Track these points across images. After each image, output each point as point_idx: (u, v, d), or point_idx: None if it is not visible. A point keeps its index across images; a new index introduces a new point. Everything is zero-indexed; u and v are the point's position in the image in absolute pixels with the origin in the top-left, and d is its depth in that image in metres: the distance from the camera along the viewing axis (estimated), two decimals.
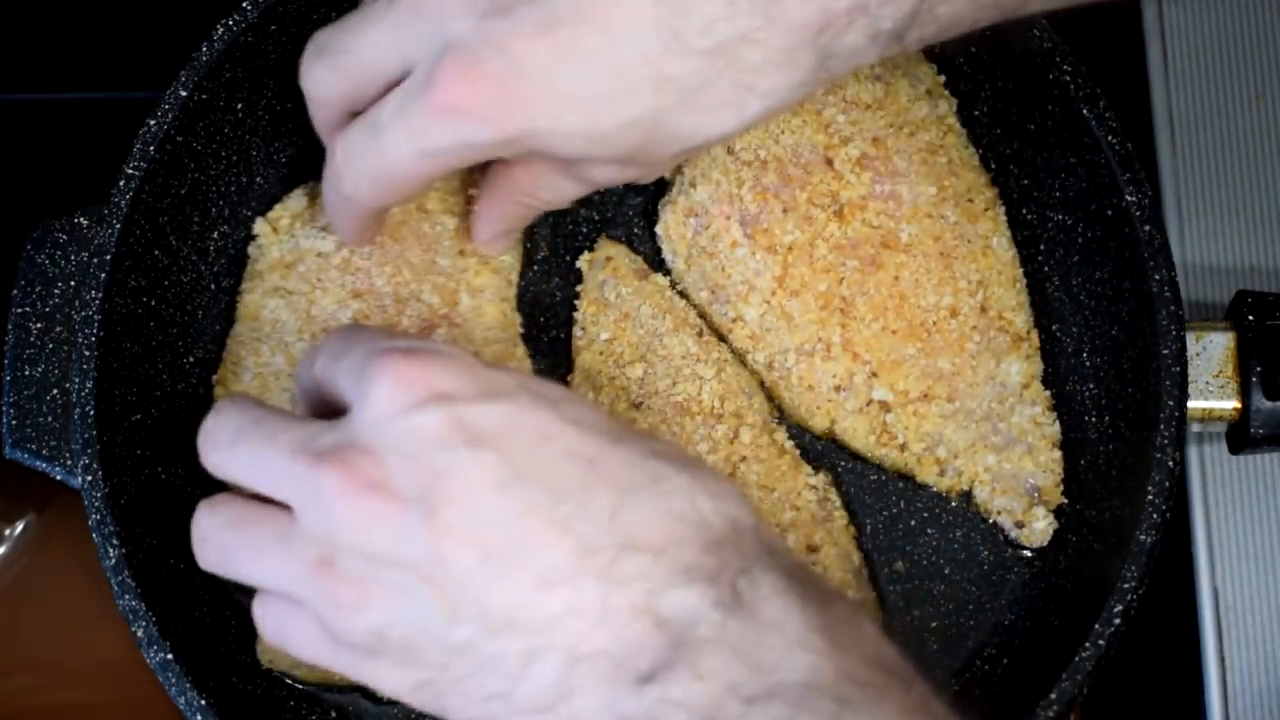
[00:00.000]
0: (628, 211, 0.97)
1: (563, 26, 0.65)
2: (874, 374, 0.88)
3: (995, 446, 0.89)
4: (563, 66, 0.66)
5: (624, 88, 0.66)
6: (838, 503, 0.89)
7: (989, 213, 0.92)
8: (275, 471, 0.63)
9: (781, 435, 0.90)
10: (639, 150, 0.70)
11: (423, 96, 0.69)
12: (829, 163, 0.90)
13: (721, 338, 0.92)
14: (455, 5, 0.68)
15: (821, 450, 0.91)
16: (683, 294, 0.93)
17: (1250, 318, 0.88)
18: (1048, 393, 0.90)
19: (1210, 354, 0.88)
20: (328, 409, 0.68)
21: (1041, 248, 0.94)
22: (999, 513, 0.89)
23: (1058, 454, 0.89)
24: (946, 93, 0.94)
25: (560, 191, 0.80)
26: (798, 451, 0.90)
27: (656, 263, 0.95)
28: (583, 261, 0.95)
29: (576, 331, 0.93)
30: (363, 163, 0.73)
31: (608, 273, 0.93)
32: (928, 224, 0.89)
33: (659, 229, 0.94)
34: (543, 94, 0.66)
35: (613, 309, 0.92)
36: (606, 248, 0.95)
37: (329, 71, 0.75)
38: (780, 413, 0.91)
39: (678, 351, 0.89)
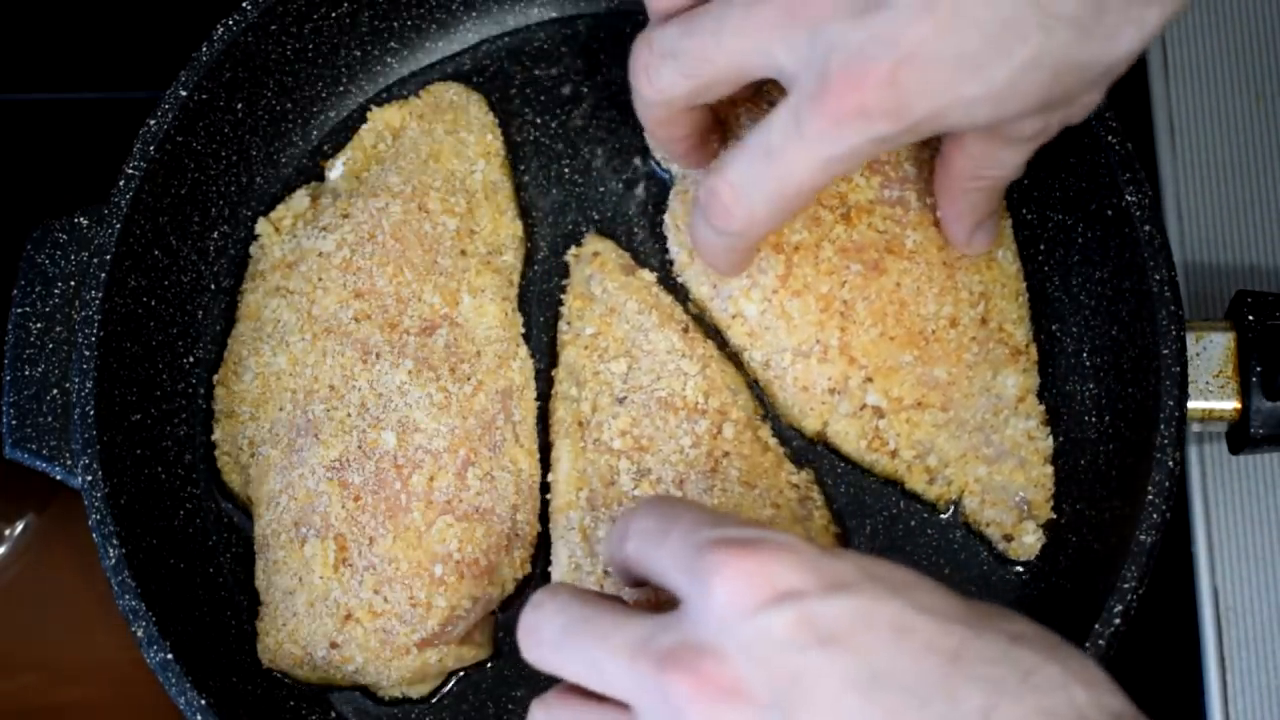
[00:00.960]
0: (628, 211, 0.97)
1: (943, 2, 0.63)
2: (869, 379, 0.88)
3: (987, 458, 0.88)
4: (949, 39, 0.64)
5: (1013, 38, 0.64)
6: (819, 501, 0.89)
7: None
8: (613, 673, 0.60)
9: (766, 432, 0.90)
10: (1050, 93, 0.68)
11: (819, 107, 0.66)
12: None
13: (714, 334, 0.92)
14: (829, 6, 0.66)
15: (820, 450, 0.91)
16: (683, 287, 0.93)
17: (1250, 317, 0.88)
18: (1042, 407, 0.90)
19: (1210, 354, 0.88)
20: (640, 582, 0.66)
21: (1041, 248, 0.94)
22: (988, 525, 0.89)
23: (1049, 469, 0.89)
24: None
25: (1004, 161, 0.78)
26: (783, 450, 0.90)
27: (654, 261, 0.95)
28: (570, 256, 0.95)
29: (562, 326, 0.93)
30: (759, 190, 0.72)
31: (594, 267, 0.93)
32: (933, 232, 0.89)
33: (666, 217, 0.94)
34: (936, 73, 0.65)
35: (599, 303, 0.92)
36: (594, 243, 0.95)
37: (683, 77, 0.74)
38: (771, 411, 0.91)
39: (662, 347, 0.89)
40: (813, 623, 0.55)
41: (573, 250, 0.95)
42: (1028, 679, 0.55)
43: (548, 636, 0.63)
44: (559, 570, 0.87)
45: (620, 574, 0.67)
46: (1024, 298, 0.92)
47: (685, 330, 0.90)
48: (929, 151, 0.90)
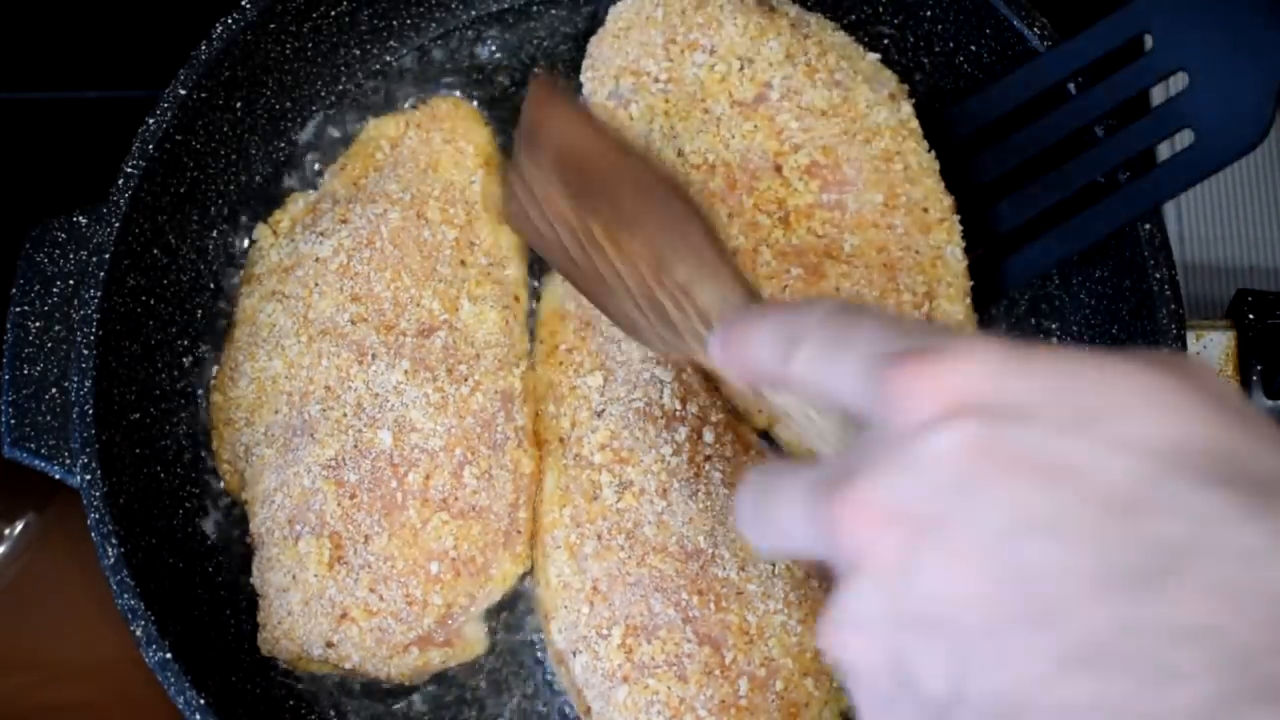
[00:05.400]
0: None
1: None
2: None
3: None
4: None
5: None
6: None
7: (944, 223, 0.89)
8: (792, 521, 0.55)
9: (746, 430, 0.89)
10: None
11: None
12: (778, 169, 0.89)
13: None
14: None
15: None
16: None
17: (1250, 316, 0.88)
18: None
19: (1211, 353, 0.88)
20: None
21: None
22: None
23: None
24: (909, 98, 0.93)
25: None
26: (766, 445, 0.90)
27: None
28: (546, 276, 0.94)
29: (536, 345, 0.92)
30: None
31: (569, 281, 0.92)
32: (872, 234, 0.88)
33: None
34: None
35: (572, 318, 0.91)
36: None
37: None
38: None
39: (637, 356, 0.88)
40: (976, 447, 0.48)
41: (549, 271, 0.94)
42: (1215, 540, 0.45)
43: (745, 506, 0.59)
44: (547, 592, 0.86)
45: (770, 386, 0.62)
46: (969, 299, 0.89)
47: None
48: (870, 151, 0.89)
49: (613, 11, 0.94)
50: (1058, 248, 0.88)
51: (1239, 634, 0.44)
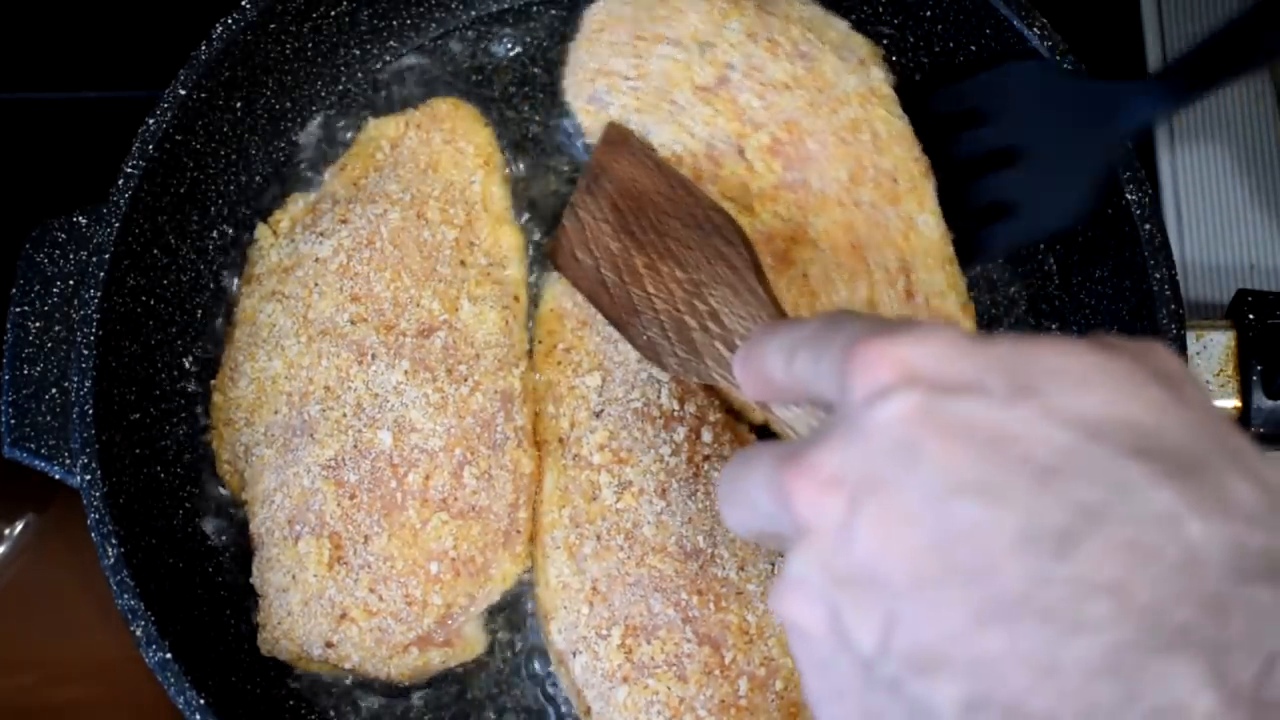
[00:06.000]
0: None
1: None
2: None
3: None
4: None
5: None
6: None
7: (915, 191, 0.87)
8: (761, 500, 0.57)
9: (744, 429, 0.89)
10: None
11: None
12: (740, 152, 0.88)
13: None
14: None
15: None
16: None
17: (1251, 316, 0.88)
18: None
19: (1211, 353, 0.88)
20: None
21: (1041, 246, 0.94)
22: None
23: None
24: (884, 63, 0.91)
25: None
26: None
27: None
28: (545, 276, 0.94)
29: (535, 344, 0.92)
30: None
31: (568, 282, 0.92)
32: (838, 213, 0.86)
33: None
34: None
35: (571, 318, 0.91)
36: None
37: None
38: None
39: (634, 356, 0.88)
40: (918, 416, 0.51)
41: (548, 270, 0.94)
42: (1129, 505, 0.48)
43: (722, 487, 0.61)
44: (547, 592, 0.86)
45: (779, 399, 0.65)
46: (953, 264, 0.87)
47: None
48: (837, 122, 0.87)
49: (586, 15, 0.94)
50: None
51: (1143, 589, 0.47)
